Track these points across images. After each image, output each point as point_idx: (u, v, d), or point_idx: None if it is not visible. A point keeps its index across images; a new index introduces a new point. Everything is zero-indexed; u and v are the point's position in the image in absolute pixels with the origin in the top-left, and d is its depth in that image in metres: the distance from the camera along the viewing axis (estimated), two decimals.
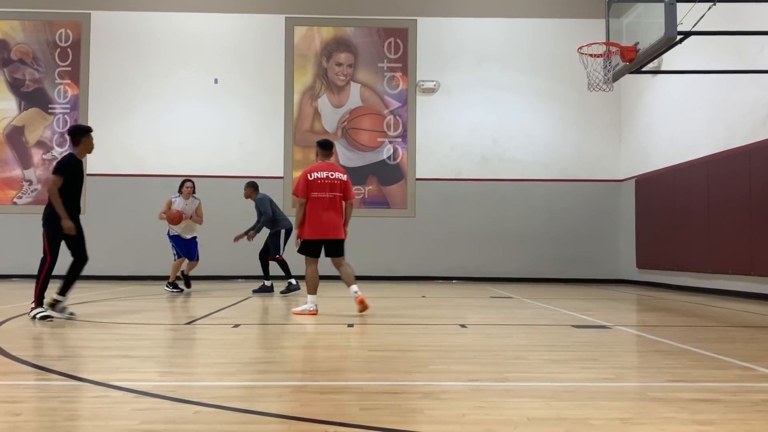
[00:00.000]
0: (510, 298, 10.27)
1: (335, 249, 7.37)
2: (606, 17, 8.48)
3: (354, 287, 7.20)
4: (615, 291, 12.32)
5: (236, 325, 6.47)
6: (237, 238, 10.60)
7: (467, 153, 15.03)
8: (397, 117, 15.09)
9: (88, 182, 14.65)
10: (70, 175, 6.67)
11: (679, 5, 6.96)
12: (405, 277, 14.54)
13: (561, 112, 15.05)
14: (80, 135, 6.88)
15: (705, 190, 11.43)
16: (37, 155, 14.83)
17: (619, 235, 14.92)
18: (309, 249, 7.32)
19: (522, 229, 14.83)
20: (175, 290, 10.71)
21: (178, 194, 10.81)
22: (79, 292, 10.77)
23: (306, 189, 7.23)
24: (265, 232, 10.62)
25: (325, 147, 7.54)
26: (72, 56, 14.94)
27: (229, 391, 3.58)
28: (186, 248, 10.83)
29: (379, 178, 15.01)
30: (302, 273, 7.68)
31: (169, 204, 10.74)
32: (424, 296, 10.41)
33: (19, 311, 7.40)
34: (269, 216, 10.30)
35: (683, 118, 12.35)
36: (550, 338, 5.86)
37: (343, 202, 7.41)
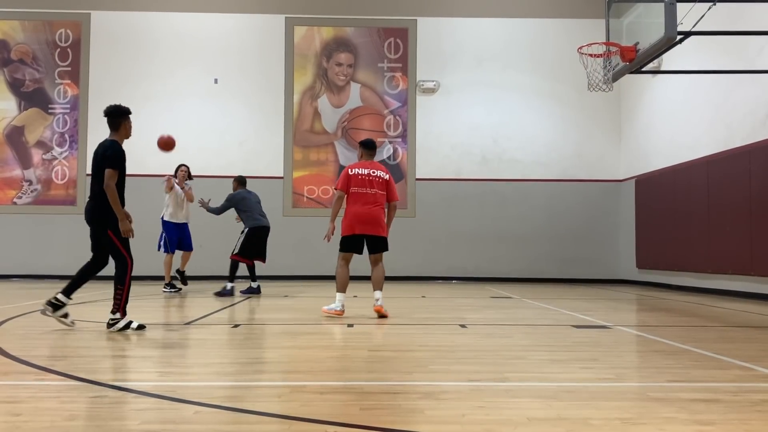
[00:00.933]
0: (510, 298, 10.27)
1: (376, 245, 7.28)
2: (606, 17, 8.49)
3: (378, 293, 7.14)
4: (615, 291, 12.31)
5: (236, 325, 6.47)
6: (201, 203, 10.26)
7: (467, 153, 15.03)
8: (397, 117, 15.08)
9: (87, 182, 14.68)
10: (122, 166, 5.83)
11: (679, 5, 6.96)
12: (405, 277, 14.53)
13: (561, 112, 15.05)
14: (120, 117, 6.01)
15: (705, 190, 11.42)
16: (37, 155, 14.82)
17: (619, 235, 14.92)
18: (345, 245, 7.27)
19: (522, 229, 14.82)
20: (173, 290, 10.47)
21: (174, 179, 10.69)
22: (78, 291, 10.76)
23: (346, 183, 7.22)
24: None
25: (368, 147, 7.50)
26: (72, 56, 14.94)
27: (229, 391, 3.57)
28: (179, 236, 10.53)
29: None
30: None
31: (170, 181, 10.48)
32: (424, 296, 10.41)
33: (19, 311, 7.40)
34: (220, 208, 10.21)
35: (683, 118, 12.34)
36: (550, 338, 5.85)
37: (387, 204, 7.34)
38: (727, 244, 10.71)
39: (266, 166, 14.74)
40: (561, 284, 14.08)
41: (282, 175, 14.81)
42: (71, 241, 14.32)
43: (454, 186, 14.94)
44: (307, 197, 14.86)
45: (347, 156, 14.89)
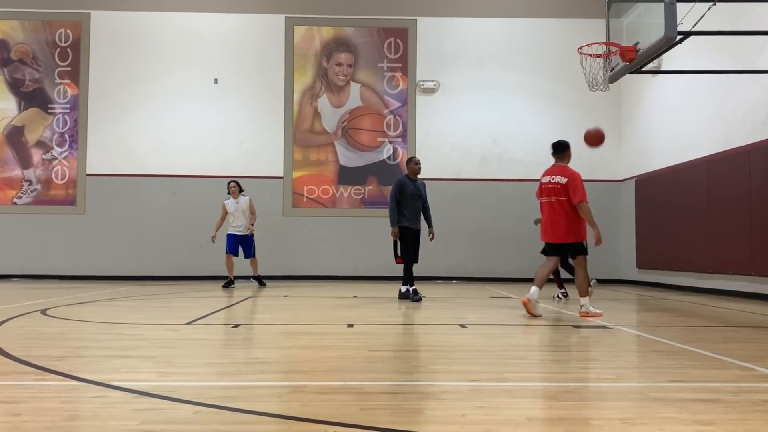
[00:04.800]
0: (510, 298, 10.27)
1: (553, 252, 7.64)
2: (606, 17, 8.49)
3: (532, 289, 7.27)
4: (615, 291, 12.31)
5: (236, 325, 6.47)
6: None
7: (467, 153, 15.03)
8: (397, 117, 15.08)
9: (87, 182, 14.75)
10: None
11: (679, 5, 6.96)
12: None
13: (561, 112, 15.04)
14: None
15: (705, 190, 11.42)
16: (36, 155, 14.81)
17: (619, 235, 14.91)
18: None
19: (522, 229, 14.77)
20: (229, 287, 11.76)
21: (228, 196, 12.01)
22: (78, 291, 10.78)
23: (539, 193, 7.63)
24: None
25: (553, 148, 7.81)
26: (72, 56, 14.94)
27: (229, 391, 3.57)
28: (236, 245, 11.81)
29: (379, 178, 15.00)
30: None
31: (224, 207, 11.97)
32: (424, 296, 10.40)
33: (19, 311, 7.40)
34: (392, 203, 9.35)
35: (683, 118, 12.35)
36: (550, 338, 5.85)
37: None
38: (727, 244, 10.71)
39: (266, 166, 14.73)
40: None
41: (282, 175, 14.80)
42: (71, 241, 14.33)
43: (454, 186, 14.94)
44: (306, 197, 14.86)
45: (347, 156, 14.89)
